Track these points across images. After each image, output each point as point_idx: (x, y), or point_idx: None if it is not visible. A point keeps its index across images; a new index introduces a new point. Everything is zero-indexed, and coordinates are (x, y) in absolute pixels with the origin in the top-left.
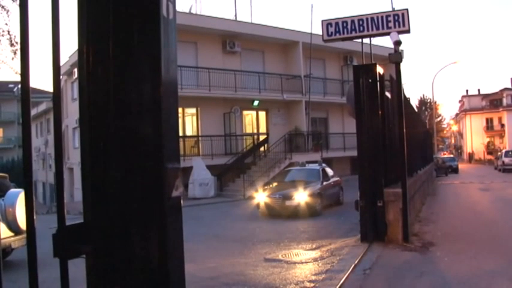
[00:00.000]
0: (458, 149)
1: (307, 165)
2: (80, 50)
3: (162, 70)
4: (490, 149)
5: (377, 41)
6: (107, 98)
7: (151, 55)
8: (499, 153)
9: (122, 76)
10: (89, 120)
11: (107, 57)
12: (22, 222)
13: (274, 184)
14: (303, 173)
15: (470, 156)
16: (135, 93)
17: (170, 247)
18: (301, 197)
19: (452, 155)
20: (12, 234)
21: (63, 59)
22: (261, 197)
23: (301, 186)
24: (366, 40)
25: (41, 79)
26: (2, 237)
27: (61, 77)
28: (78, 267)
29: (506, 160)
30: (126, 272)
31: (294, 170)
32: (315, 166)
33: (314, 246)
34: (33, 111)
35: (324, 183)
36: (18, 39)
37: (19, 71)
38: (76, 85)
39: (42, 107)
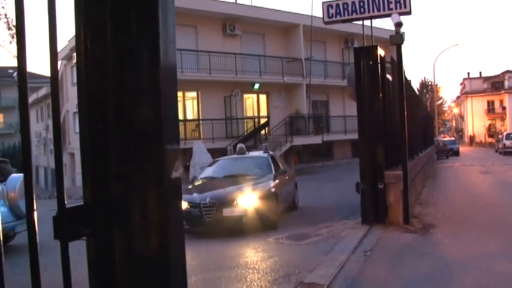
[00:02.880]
0: (459, 132)
1: (247, 152)
2: (77, 33)
3: (161, 50)
4: (491, 132)
5: (378, 23)
6: (106, 80)
7: (149, 35)
8: (500, 136)
9: (120, 57)
10: (87, 103)
11: (105, 38)
12: (24, 207)
13: (198, 182)
14: (243, 164)
15: (471, 139)
16: (134, 75)
17: (170, 228)
18: (248, 200)
19: (453, 138)
20: (14, 218)
21: (62, 43)
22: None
23: (246, 184)
24: (367, 22)
25: (41, 64)
26: (4, 221)
27: (60, 61)
28: (80, 253)
29: (507, 143)
30: (126, 254)
31: (229, 160)
32: (260, 154)
33: None
34: (33, 96)
35: (278, 178)
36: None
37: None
38: (75, 69)
39: (42, 92)
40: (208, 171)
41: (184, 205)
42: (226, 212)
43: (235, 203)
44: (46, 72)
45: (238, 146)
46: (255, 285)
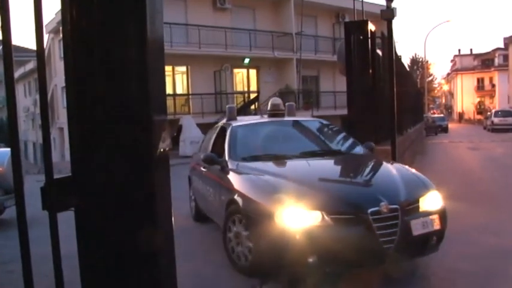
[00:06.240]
0: (449, 109)
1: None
2: (63, 5)
3: (148, 20)
4: (480, 109)
5: None
6: (92, 51)
7: (135, 4)
8: (489, 113)
9: (106, 29)
10: (74, 76)
11: (91, 9)
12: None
13: (269, 163)
14: (306, 132)
15: (460, 115)
16: (120, 45)
17: (158, 197)
18: (435, 201)
19: (442, 115)
20: (3, 193)
21: (50, 15)
22: (284, 213)
23: (374, 169)
24: None
25: (28, 37)
26: None
27: (48, 34)
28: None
29: (496, 120)
30: (114, 224)
31: (278, 126)
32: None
33: None
34: (21, 70)
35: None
36: None
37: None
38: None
39: (30, 66)
40: (248, 145)
41: (314, 217)
42: (416, 226)
43: (420, 208)
44: (33, 45)
45: (273, 100)
46: None
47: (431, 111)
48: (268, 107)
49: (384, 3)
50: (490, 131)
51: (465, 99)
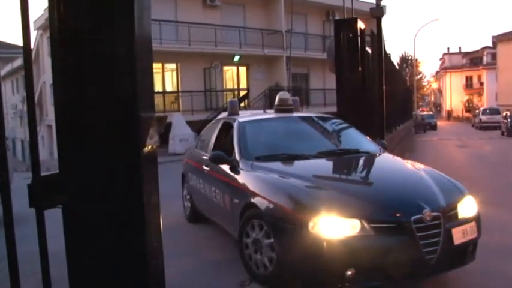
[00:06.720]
0: (438, 107)
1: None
2: (50, 2)
3: (135, 17)
4: (469, 107)
5: None
6: (80, 48)
7: (122, 0)
8: (477, 111)
9: (93, 26)
10: (61, 72)
11: (78, 6)
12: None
13: (289, 164)
14: (319, 131)
15: (449, 113)
16: (108, 42)
17: (146, 194)
18: (471, 207)
19: (431, 112)
20: None
21: (38, 12)
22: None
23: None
24: None
25: (16, 34)
26: None
27: (36, 31)
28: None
29: (484, 118)
30: (102, 221)
31: (289, 123)
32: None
33: None
34: (8, 67)
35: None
36: None
37: None
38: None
39: (18, 62)
40: (261, 143)
41: (352, 226)
42: (457, 234)
43: (458, 214)
44: (21, 42)
45: (281, 95)
46: None
47: (421, 109)
48: (276, 102)
49: (374, 1)
50: (478, 128)
51: (454, 97)
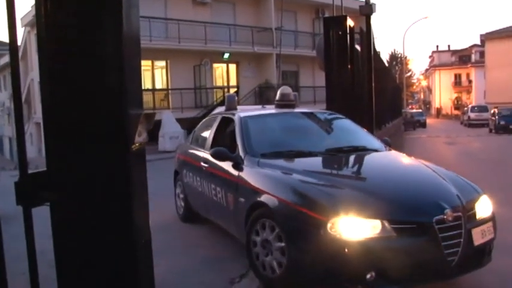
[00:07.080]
0: (427, 104)
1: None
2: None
3: (123, 14)
4: (458, 105)
5: None
6: (67, 45)
7: None
8: (466, 108)
9: (81, 23)
10: (49, 70)
11: (65, 3)
12: None
13: (298, 162)
14: (324, 127)
15: (438, 111)
16: (96, 39)
17: (134, 191)
18: (487, 207)
19: (420, 110)
20: None
21: (26, 8)
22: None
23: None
24: None
25: (3, 31)
26: None
27: (23, 28)
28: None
29: (472, 115)
30: (90, 218)
31: (294, 118)
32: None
33: None
34: None
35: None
36: None
37: None
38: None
39: (5, 59)
40: (266, 139)
41: (373, 227)
42: (477, 235)
43: (476, 214)
44: (8, 39)
45: (282, 90)
46: None
47: (410, 107)
48: (277, 97)
49: None
50: (467, 126)
51: (443, 95)
